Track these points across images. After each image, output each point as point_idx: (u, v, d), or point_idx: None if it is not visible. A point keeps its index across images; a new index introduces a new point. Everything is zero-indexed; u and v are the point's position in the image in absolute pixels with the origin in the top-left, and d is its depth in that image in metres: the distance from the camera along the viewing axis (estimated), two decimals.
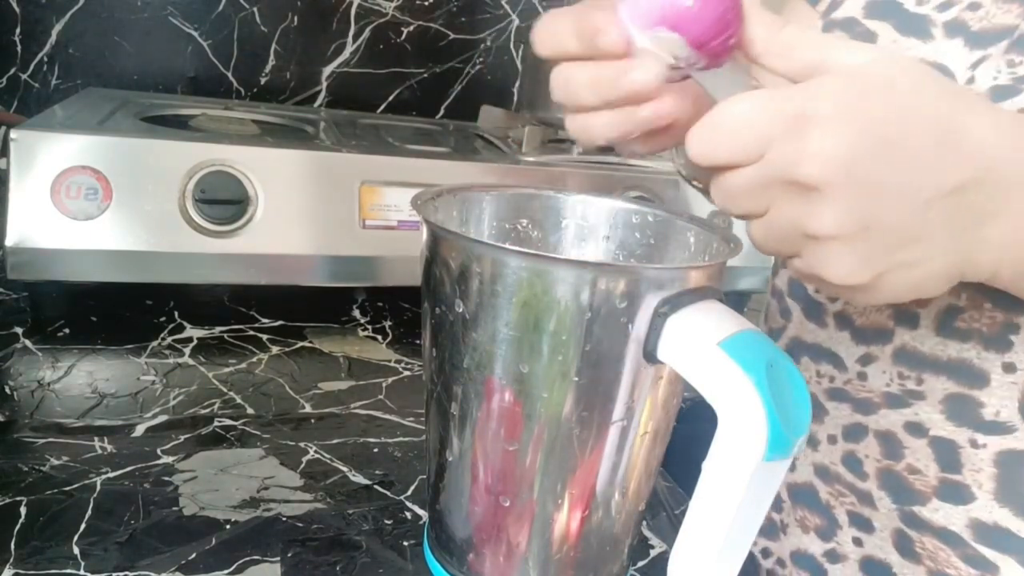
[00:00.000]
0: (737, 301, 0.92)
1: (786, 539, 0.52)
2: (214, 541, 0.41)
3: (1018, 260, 0.31)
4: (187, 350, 0.64)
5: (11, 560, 0.38)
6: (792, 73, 0.31)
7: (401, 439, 0.54)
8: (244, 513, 0.44)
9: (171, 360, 0.62)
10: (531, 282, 0.31)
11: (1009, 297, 0.39)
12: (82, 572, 0.38)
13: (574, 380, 0.32)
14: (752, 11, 0.31)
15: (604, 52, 0.31)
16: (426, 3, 1.04)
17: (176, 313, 0.70)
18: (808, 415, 0.31)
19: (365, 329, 0.74)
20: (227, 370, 0.61)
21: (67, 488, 0.44)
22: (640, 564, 0.44)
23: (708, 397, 0.29)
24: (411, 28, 1.04)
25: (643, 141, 0.35)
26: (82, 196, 0.61)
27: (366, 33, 1.03)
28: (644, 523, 0.48)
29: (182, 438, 0.51)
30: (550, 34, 0.33)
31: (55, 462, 0.46)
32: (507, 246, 0.32)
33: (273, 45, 0.99)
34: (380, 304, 0.80)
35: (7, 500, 0.42)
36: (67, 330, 0.64)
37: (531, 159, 0.82)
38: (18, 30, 0.89)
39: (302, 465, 0.50)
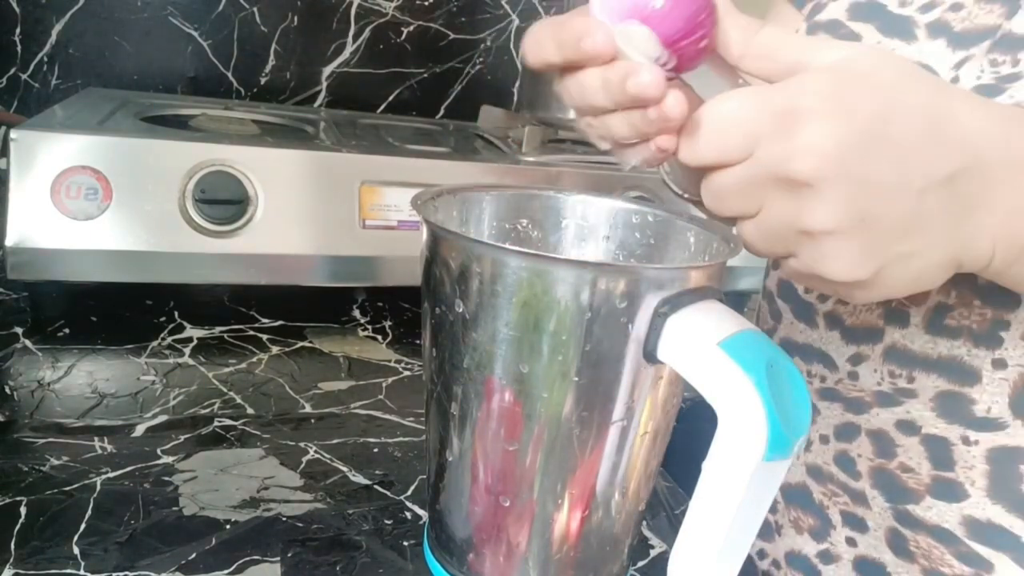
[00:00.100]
0: (737, 301, 0.92)
1: (781, 540, 0.52)
2: (214, 541, 0.41)
3: (1011, 248, 0.31)
4: (187, 350, 0.64)
5: (11, 560, 0.38)
6: (774, 75, 0.31)
7: (401, 439, 0.54)
8: (244, 513, 0.44)
9: (171, 360, 0.62)
10: (531, 282, 0.31)
11: (998, 293, 0.39)
12: (82, 572, 0.38)
13: (574, 380, 0.32)
14: (727, 15, 0.31)
15: (591, 55, 0.31)
16: (426, 3, 1.04)
17: (176, 313, 0.70)
18: (808, 415, 0.31)
19: (365, 329, 0.74)
20: (227, 370, 0.61)
21: (67, 488, 0.44)
22: (640, 564, 0.44)
23: (708, 397, 0.29)
24: (411, 28, 1.04)
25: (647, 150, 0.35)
26: (82, 196, 0.61)
27: (366, 33, 1.03)
28: (644, 523, 0.48)
29: (182, 438, 0.51)
30: (537, 44, 0.33)
31: (55, 462, 0.46)
32: (507, 246, 0.32)
33: (273, 45, 0.99)
34: (380, 304, 0.80)
35: (7, 500, 0.42)
36: (67, 330, 0.64)
37: (531, 159, 0.82)
38: (18, 30, 0.89)
39: (302, 465, 0.50)
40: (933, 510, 0.42)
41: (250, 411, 0.56)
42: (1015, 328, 0.39)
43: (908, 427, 0.43)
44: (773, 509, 0.52)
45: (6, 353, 0.59)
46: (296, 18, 0.99)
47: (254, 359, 0.64)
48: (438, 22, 1.06)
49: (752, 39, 0.31)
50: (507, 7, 1.08)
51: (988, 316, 0.40)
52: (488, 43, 1.09)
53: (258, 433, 0.53)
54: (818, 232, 0.29)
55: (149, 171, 0.64)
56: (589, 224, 0.44)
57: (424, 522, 0.44)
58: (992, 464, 0.40)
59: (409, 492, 0.48)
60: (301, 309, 0.74)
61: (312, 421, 0.55)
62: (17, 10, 0.88)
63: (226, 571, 0.39)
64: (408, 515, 0.46)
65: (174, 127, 0.75)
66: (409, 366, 0.67)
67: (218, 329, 0.68)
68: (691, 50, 0.31)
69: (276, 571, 0.40)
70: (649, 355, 0.32)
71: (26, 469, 0.45)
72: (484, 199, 0.43)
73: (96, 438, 0.49)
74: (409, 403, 0.60)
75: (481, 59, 1.09)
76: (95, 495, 0.44)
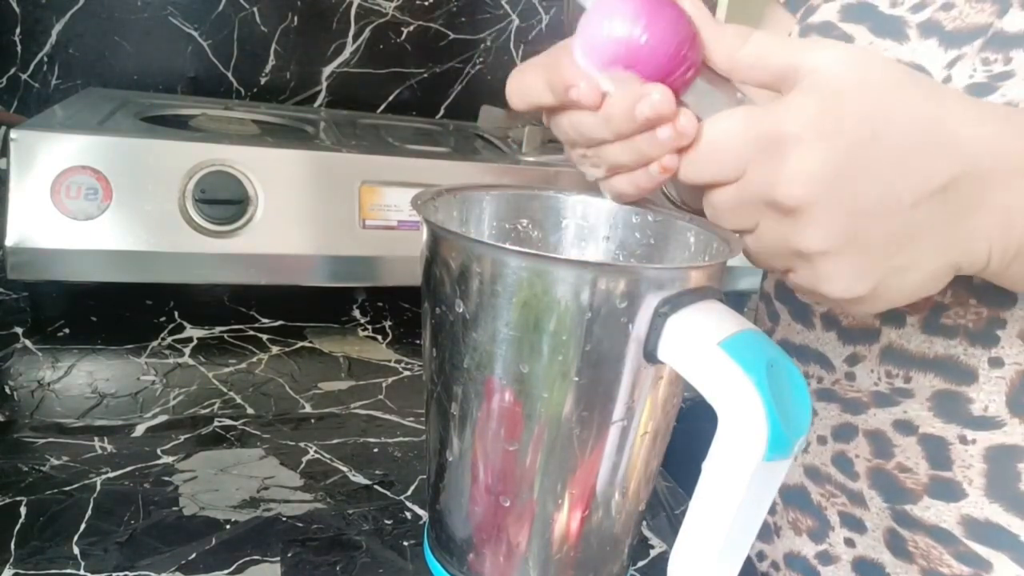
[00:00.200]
0: (737, 301, 0.92)
1: (780, 542, 0.52)
2: (214, 541, 0.41)
3: (1008, 248, 0.31)
4: (187, 350, 0.64)
5: (11, 560, 0.38)
6: (767, 83, 0.31)
7: (401, 439, 0.54)
8: (244, 513, 0.44)
9: (171, 360, 0.62)
10: (531, 282, 0.31)
11: (994, 292, 0.39)
12: (82, 572, 0.38)
13: (574, 380, 0.32)
14: (709, 32, 0.31)
15: (578, 104, 0.32)
16: (426, 3, 1.04)
17: (176, 313, 0.70)
18: (808, 415, 0.31)
19: (365, 329, 0.74)
20: (227, 370, 0.61)
21: (67, 488, 0.44)
22: (640, 564, 0.44)
23: (708, 397, 0.29)
24: (411, 28, 1.04)
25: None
26: (82, 196, 0.61)
27: (366, 33, 1.03)
28: (644, 523, 0.48)
29: (182, 438, 0.51)
30: (524, 89, 0.34)
31: (55, 462, 0.46)
32: (507, 246, 0.32)
33: (273, 45, 0.99)
34: (380, 304, 0.80)
35: (7, 500, 0.42)
36: (67, 330, 0.64)
37: (531, 159, 0.82)
38: (18, 30, 0.89)
39: (302, 465, 0.50)
40: (931, 510, 0.42)
41: (250, 411, 0.56)
42: (1011, 326, 0.39)
43: (905, 427, 0.43)
44: (771, 510, 0.52)
45: (6, 353, 0.59)
46: (296, 18, 0.99)
47: (254, 359, 0.64)
48: (438, 22, 1.06)
49: (740, 50, 0.31)
50: (507, 7, 1.08)
51: (984, 315, 0.40)
52: (488, 43, 1.09)
53: (258, 433, 0.53)
54: (811, 253, 0.29)
55: (149, 171, 0.64)
56: (589, 224, 0.44)
57: (424, 522, 0.44)
58: (990, 463, 0.40)
59: (409, 492, 0.48)
60: (301, 309, 0.74)
61: (312, 421, 0.55)
62: (17, 10, 0.88)
63: (226, 571, 0.39)
64: (408, 515, 0.46)
65: (174, 127, 0.75)
66: (409, 366, 0.67)
67: (218, 329, 0.68)
68: (677, 83, 0.31)
69: (276, 571, 0.40)
70: (649, 355, 0.32)
71: (26, 469, 0.45)
72: (484, 199, 0.43)
73: (96, 438, 0.49)
74: (409, 403, 0.60)
75: (481, 59, 1.09)
76: (95, 495, 0.44)
